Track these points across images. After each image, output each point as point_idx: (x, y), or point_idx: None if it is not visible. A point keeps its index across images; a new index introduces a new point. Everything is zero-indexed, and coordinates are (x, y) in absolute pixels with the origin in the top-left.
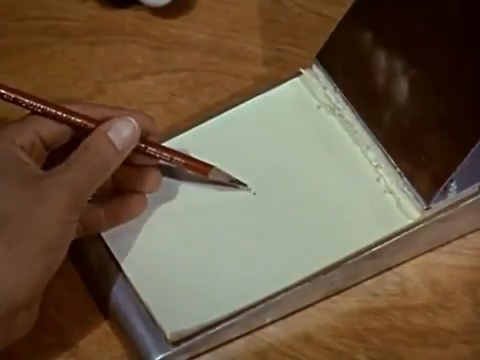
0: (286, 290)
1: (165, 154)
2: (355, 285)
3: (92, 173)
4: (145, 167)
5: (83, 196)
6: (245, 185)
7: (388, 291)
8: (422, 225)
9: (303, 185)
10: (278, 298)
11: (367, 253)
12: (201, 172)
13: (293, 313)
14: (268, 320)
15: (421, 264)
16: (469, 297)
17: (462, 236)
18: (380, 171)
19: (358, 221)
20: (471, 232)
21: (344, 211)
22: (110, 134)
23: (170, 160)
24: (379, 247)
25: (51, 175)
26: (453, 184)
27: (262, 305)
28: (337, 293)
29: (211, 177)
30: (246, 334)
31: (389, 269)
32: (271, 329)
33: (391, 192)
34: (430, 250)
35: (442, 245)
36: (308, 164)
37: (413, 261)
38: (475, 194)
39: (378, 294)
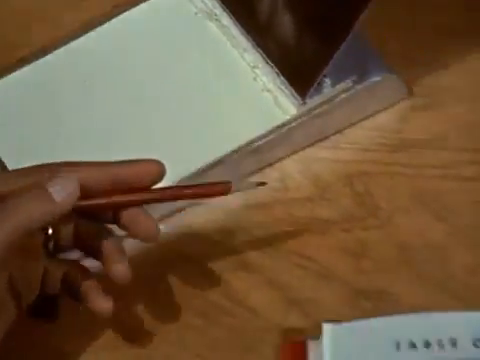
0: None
1: (185, 192)
2: None
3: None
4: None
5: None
6: (265, 183)
7: (269, 186)
8: (299, 120)
9: (182, 88)
10: None
11: (248, 149)
12: (222, 193)
13: (182, 209)
14: (157, 216)
15: (301, 159)
16: (348, 188)
17: (339, 131)
18: (257, 71)
19: (238, 119)
20: (348, 127)
21: (224, 110)
22: (50, 188)
23: (190, 197)
24: (259, 143)
25: None
26: (327, 80)
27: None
28: None
29: (234, 192)
30: None
31: (270, 165)
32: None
33: (269, 90)
34: (309, 145)
35: (321, 140)
36: (187, 68)
37: (293, 156)
38: (348, 89)
39: (260, 189)
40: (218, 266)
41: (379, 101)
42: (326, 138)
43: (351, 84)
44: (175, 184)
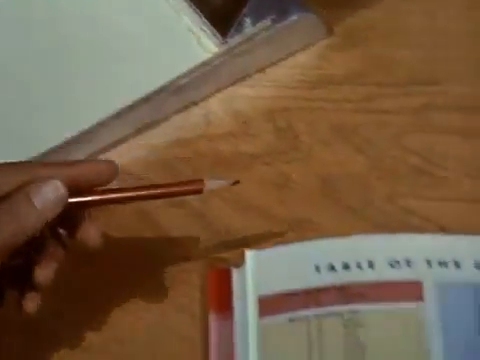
0: (97, 125)
1: (152, 192)
2: (163, 120)
3: (9, 236)
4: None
5: None
6: (238, 182)
7: (194, 123)
8: (221, 59)
9: (105, 29)
10: (90, 134)
11: (172, 87)
12: (196, 192)
13: (106, 149)
14: (82, 157)
15: (224, 97)
16: (270, 124)
17: (261, 70)
18: (180, 13)
19: (162, 59)
20: (269, 66)
21: (148, 51)
22: (33, 198)
23: (157, 196)
24: (183, 81)
25: None
26: (247, 19)
27: (76, 141)
28: (146, 128)
29: (207, 190)
30: None
31: (195, 103)
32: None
33: (191, 31)
34: (232, 84)
35: (243, 79)
36: (109, 9)
37: (217, 95)
38: (268, 28)
39: (184, 126)
40: (144, 202)
41: (299, 40)
42: (248, 77)
43: (270, 23)
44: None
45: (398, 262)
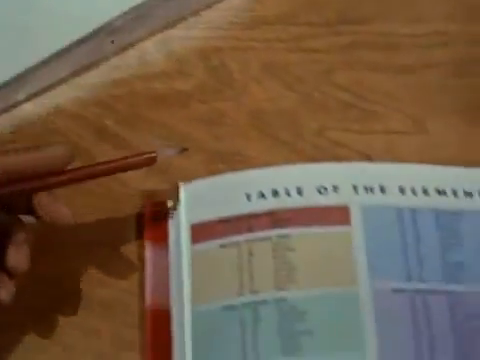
0: (36, 67)
1: (100, 168)
2: (100, 61)
3: None
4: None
5: None
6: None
7: (130, 64)
8: (156, 2)
9: None
10: (29, 75)
11: (107, 29)
12: (148, 164)
13: (45, 90)
14: (22, 97)
15: (160, 39)
16: (204, 63)
17: (196, 13)
18: None
19: (97, 1)
20: (204, 9)
21: None
22: None
23: (110, 172)
24: (118, 23)
25: None
26: None
27: (15, 82)
28: (84, 69)
29: (160, 159)
30: (2, 112)
31: (131, 45)
32: (26, 106)
33: None
34: (167, 27)
35: (179, 21)
36: None
37: (152, 38)
38: None
39: (121, 67)
40: (82, 140)
41: None
42: (184, 19)
43: None
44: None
45: (325, 188)
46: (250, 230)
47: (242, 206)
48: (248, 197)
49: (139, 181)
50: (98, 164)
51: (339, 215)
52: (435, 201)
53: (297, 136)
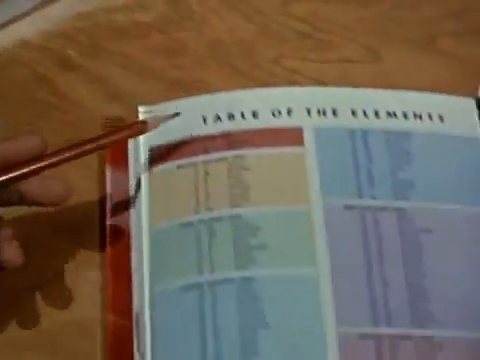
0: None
1: (100, 142)
2: None
3: None
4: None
5: None
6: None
7: None
8: None
9: None
10: None
11: None
12: (142, 132)
13: (11, 21)
14: None
15: None
16: None
17: None
18: None
19: None
20: None
21: None
22: None
23: (106, 145)
24: None
25: None
26: None
27: None
28: (48, 2)
29: (152, 129)
30: None
31: None
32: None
33: None
34: None
35: None
36: None
37: None
38: None
39: (84, 0)
40: (48, 71)
41: None
42: None
43: None
44: None
45: (280, 112)
46: (206, 151)
47: (199, 129)
48: (204, 120)
49: (100, 107)
50: (90, 140)
51: (293, 137)
52: (386, 123)
53: (254, 65)
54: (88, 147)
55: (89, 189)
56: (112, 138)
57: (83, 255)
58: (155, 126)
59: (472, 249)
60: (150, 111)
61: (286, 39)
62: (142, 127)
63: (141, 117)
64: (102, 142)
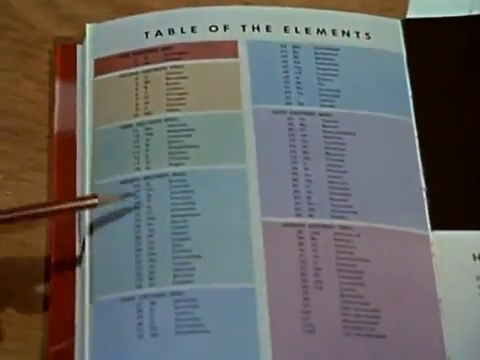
0: None
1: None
2: None
3: None
4: None
5: None
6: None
7: None
8: None
9: None
10: None
11: None
12: (89, 207)
13: None
14: None
15: None
16: None
17: None
18: None
19: None
20: None
21: None
22: None
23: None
24: None
25: None
26: None
27: None
28: None
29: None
30: None
31: None
32: None
33: None
34: None
35: None
36: None
37: None
38: None
39: None
40: None
41: None
42: None
43: None
44: None
45: (217, 27)
46: (147, 63)
47: (141, 42)
48: (146, 35)
49: (52, 29)
50: (38, 205)
51: (228, 49)
52: (316, 39)
53: None
54: (40, 211)
55: (40, 100)
56: (60, 207)
57: (32, 159)
58: (107, 202)
59: (388, 149)
60: (96, 27)
61: None
62: (92, 202)
63: (87, 32)
64: (53, 208)
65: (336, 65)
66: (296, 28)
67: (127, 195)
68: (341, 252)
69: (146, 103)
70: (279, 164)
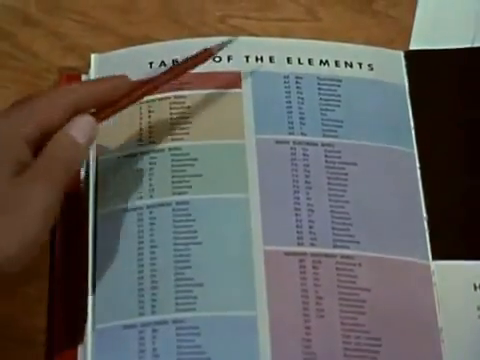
0: None
1: (166, 77)
2: None
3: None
4: None
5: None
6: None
7: None
8: None
9: None
10: None
11: None
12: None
13: None
14: None
15: None
16: None
17: None
18: None
19: None
20: None
21: None
22: (73, 133)
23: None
24: None
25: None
26: None
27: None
28: None
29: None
30: None
31: None
32: None
33: None
34: None
35: None
36: None
37: None
38: None
39: None
40: (3, 22)
41: None
42: None
43: None
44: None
45: (221, 58)
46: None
47: (145, 72)
48: (150, 65)
49: (56, 59)
50: (166, 73)
51: (231, 80)
52: (319, 70)
53: (202, 23)
54: (166, 77)
55: None
56: (188, 64)
57: None
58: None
59: (390, 180)
60: (101, 57)
61: (232, 1)
62: (209, 53)
63: (92, 61)
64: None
65: (339, 96)
66: (299, 59)
67: (229, 41)
68: (343, 281)
69: (150, 132)
70: (281, 193)
